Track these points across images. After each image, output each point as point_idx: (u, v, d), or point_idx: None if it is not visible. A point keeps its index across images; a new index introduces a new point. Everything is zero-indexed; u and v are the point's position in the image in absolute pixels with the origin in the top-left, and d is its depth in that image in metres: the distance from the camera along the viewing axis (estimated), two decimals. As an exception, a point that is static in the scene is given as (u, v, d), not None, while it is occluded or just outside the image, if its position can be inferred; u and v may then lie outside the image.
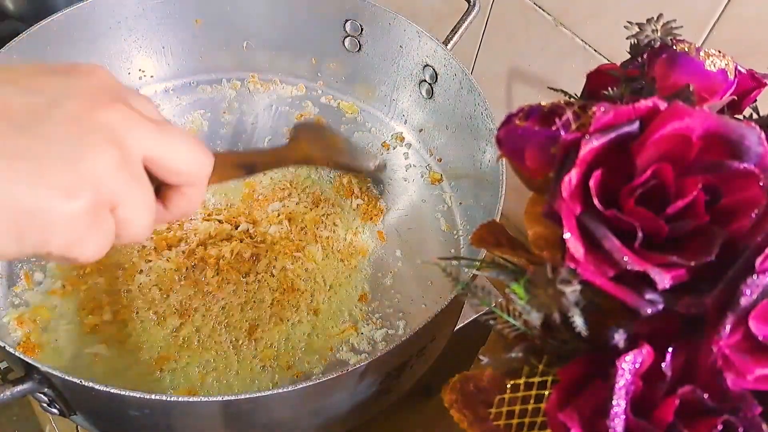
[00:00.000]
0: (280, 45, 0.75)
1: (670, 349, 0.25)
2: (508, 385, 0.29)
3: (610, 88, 0.31)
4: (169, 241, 0.61)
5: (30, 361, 0.42)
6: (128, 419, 0.46)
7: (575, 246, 0.25)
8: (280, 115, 0.74)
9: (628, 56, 0.33)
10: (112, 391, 0.41)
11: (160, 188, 0.32)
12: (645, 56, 0.32)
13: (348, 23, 0.70)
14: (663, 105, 0.26)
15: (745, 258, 0.24)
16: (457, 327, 0.60)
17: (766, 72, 0.33)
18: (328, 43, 0.72)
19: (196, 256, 0.60)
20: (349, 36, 0.71)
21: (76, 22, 0.63)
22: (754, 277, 0.24)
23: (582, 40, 0.64)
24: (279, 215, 0.64)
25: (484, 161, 0.61)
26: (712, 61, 0.30)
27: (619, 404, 0.25)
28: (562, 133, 0.26)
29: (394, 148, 0.72)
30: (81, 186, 0.26)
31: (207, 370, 0.54)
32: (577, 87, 0.35)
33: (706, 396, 0.25)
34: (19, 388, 0.42)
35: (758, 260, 0.24)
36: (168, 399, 0.41)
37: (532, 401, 0.29)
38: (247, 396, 0.41)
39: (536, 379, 0.29)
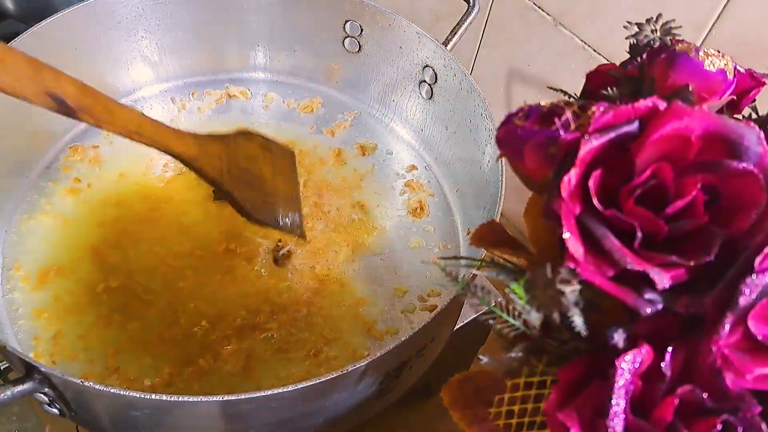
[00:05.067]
0: (280, 45, 0.75)
1: (669, 349, 0.25)
2: (508, 385, 0.29)
3: (609, 88, 0.31)
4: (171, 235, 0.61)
5: (30, 361, 0.42)
6: (129, 419, 0.46)
7: (575, 246, 0.25)
8: (280, 116, 0.74)
9: (628, 56, 0.33)
10: (112, 391, 0.41)
11: None
12: (644, 56, 0.32)
13: (348, 24, 0.70)
14: (662, 105, 0.26)
15: (744, 258, 0.24)
16: (457, 327, 0.60)
17: (765, 72, 0.33)
18: (328, 44, 0.72)
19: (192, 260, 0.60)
20: (348, 37, 0.71)
21: (76, 23, 0.63)
22: (754, 276, 0.24)
23: (582, 40, 0.64)
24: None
25: (484, 161, 0.61)
26: (711, 61, 0.30)
27: (619, 404, 0.25)
28: (562, 133, 0.26)
29: (394, 148, 0.72)
30: None
31: (207, 370, 0.54)
32: (576, 87, 0.35)
33: (705, 396, 0.25)
34: (20, 388, 0.42)
35: (757, 260, 0.24)
36: (168, 399, 0.41)
37: (531, 401, 0.29)
38: (247, 396, 0.41)
39: (536, 379, 0.29)
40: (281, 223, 0.56)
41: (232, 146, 0.54)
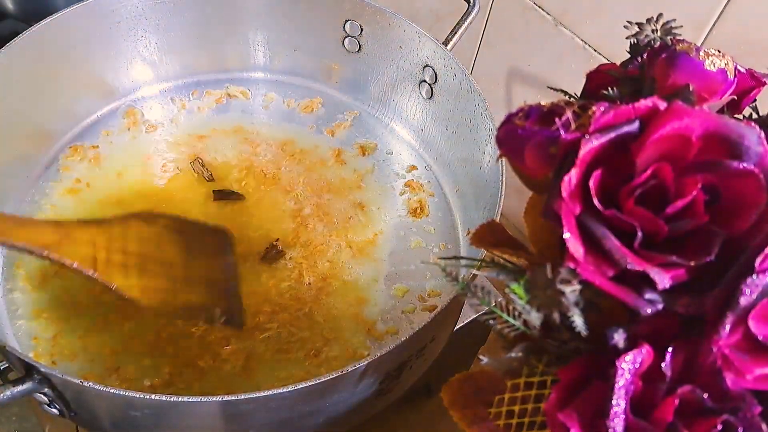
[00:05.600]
0: (280, 45, 0.75)
1: (669, 349, 0.25)
2: (508, 385, 0.29)
3: (609, 88, 0.31)
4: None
5: (30, 362, 0.42)
6: (128, 419, 0.46)
7: (575, 246, 0.25)
8: (280, 116, 0.74)
9: (628, 56, 0.33)
10: (111, 391, 0.41)
11: None
12: (645, 56, 0.32)
13: (348, 23, 0.70)
14: (663, 105, 0.26)
15: (744, 258, 0.24)
16: (457, 327, 0.60)
17: (765, 71, 0.33)
18: (328, 44, 0.72)
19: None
20: (348, 36, 0.71)
21: (76, 22, 0.63)
22: (754, 276, 0.24)
23: (582, 40, 0.64)
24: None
25: (484, 161, 0.61)
26: (711, 61, 0.30)
27: (619, 404, 0.25)
28: (562, 132, 0.26)
29: (394, 148, 0.72)
30: None
31: (207, 370, 0.54)
32: (577, 87, 0.35)
33: (705, 396, 0.25)
34: (20, 388, 0.42)
35: (758, 260, 0.24)
36: (168, 399, 0.41)
37: (532, 401, 0.29)
38: (247, 396, 0.41)
39: (536, 379, 0.29)
40: (198, 312, 0.48)
41: (116, 230, 0.47)
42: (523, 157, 0.28)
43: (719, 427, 0.24)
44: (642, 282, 0.25)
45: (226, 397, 0.41)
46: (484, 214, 0.60)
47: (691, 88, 0.29)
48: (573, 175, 0.25)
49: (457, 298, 0.46)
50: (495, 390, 0.30)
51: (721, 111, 0.31)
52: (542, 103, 0.28)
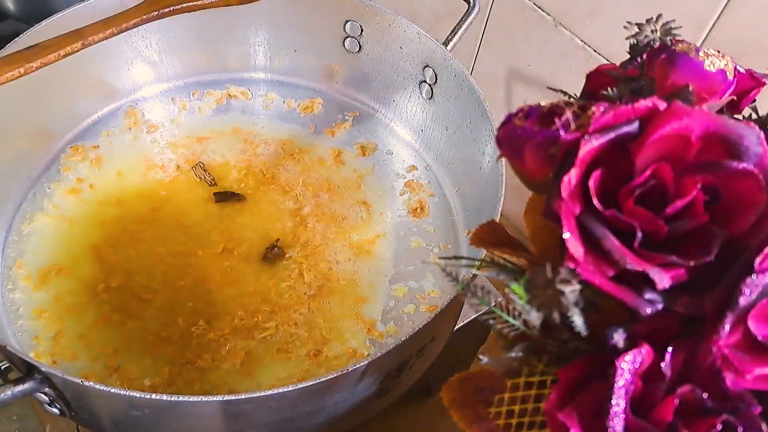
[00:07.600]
0: (281, 46, 0.75)
1: (669, 349, 0.25)
2: (508, 385, 0.29)
3: (609, 88, 0.31)
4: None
5: (31, 361, 0.42)
6: (129, 419, 0.46)
7: (575, 246, 0.25)
8: (280, 117, 0.74)
9: (628, 56, 0.33)
10: (112, 390, 0.41)
11: None
12: (644, 56, 0.32)
13: (348, 24, 0.70)
14: (662, 105, 0.26)
15: (744, 258, 0.24)
16: (457, 327, 0.60)
17: (765, 72, 0.33)
18: (329, 44, 0.72)
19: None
20: (349, 37, 0.71)
21: (76, 22, 0.63)
22: (754, 276, 0.24)
23: (582, 40, 0.64)
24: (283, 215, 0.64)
25: (484, 161, 0.61)
26: (711, 61, 0.30)
27: (619, 404, 0.25)
28: (562, 133, 0.26)
29: (394, 149, 0.72)
30: None
31: (207, 369, 0.54)
32: (576, 87, 0.35)
33: (705, 396, 0.25)
34: (20, 387, 0.42)
35: (757, 260, 0.24)
36: (168, 399, 0.41)
37: (531, 401, 0.29)
38: (247, 396, 0.41)
39: (536, 379, 0.29)
40: None
41: None
42: (523, 157, 0.28)
43: (719, 427, 0.24)
44: (642, 282, 0.25)
45: (227, 397, 0.41)
46: (484, 214, 0.60)
47: (690, 89, 0.29)
48: (573, 175, 0.25)
49: (457, 298, 0.46)
50: (495, 390, 0.30)
51: (720, 111, 0.31)
52: (542, 103, 0.28)
